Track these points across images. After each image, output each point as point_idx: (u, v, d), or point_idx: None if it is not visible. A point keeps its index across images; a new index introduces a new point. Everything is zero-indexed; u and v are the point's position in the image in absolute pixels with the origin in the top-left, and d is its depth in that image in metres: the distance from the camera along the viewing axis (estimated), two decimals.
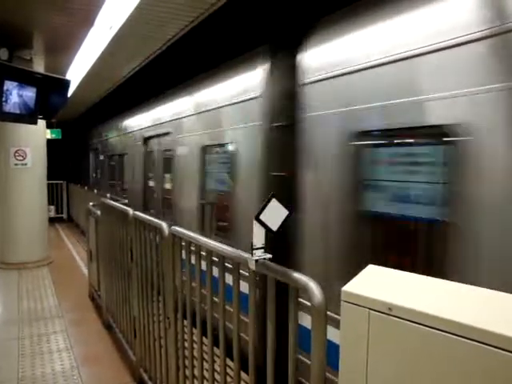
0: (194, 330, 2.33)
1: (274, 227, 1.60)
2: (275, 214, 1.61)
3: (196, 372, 2.32)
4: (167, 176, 6.02)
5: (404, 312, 1.06)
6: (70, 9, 4.30)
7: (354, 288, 1.21)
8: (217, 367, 2.08)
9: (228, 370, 2.02)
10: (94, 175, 11.78)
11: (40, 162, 7.16)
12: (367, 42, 2.64)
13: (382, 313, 1.10)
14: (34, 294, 5.54)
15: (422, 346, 1.03)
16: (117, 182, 9.26)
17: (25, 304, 5.15)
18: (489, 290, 1.16)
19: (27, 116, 5.17)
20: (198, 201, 4.84)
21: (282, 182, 3.19)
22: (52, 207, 11.98)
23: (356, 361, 1.17)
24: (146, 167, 7.04)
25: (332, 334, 1.45)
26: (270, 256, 1.64)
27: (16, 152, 6.78)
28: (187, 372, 2.46)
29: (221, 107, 4.35)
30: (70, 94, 6.03)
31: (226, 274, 1.97)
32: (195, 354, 2.33)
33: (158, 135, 6.32)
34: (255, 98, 3.67)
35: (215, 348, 2.10)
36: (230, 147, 4.18)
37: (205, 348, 2.21)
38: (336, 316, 1.29)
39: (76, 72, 7.01)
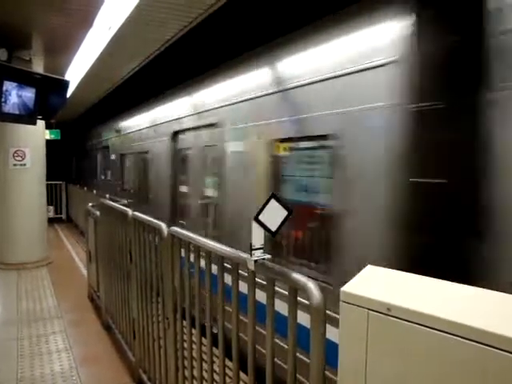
0: (194, 331, 2.33)
1: (273, 227, 1.60)
2: (274, 214, 1.61)
3: (195, 372, 2.32)
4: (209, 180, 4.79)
5: (403, 312, 1.07)
6: (68, 9, 4.31)
7: (353, 288, 1.21)
8: (216, 368, 2.08)
9: (227, 371, 2.02)
10: (103, 177, 10.76)
11: (39, 162, 7.16)
12: None
13: (381, 313, 1.11)
14: (33, 295, 5.53)
15: (421, 346, 1.03)
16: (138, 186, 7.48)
17: (24, 304, 5.15)
18: (488, 291, 1.16)
19: (26, 116, 5.16)
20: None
21: (438, 194, 2.18)
22: (51, 208, 11.99)
23: (355, 361, 1.18)
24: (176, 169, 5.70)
25: (331, 333, 1.45)
26: (268, 256, 1.65)
27: (15, 152, 6.78)
28: (186, 372, 2.46)
29: (312, 83, 3.07)
30: (69, 94, 6.01)
31: (226, 275, 1.97)
32: (194, 354, 2.33)
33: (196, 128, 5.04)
34: (386, 64, 2.49)
35: (214, 348, 2.10)
36: (331, 141, 2.87)
37: (204, 348, 2.21)
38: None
39: (75, 72, 7.03)
